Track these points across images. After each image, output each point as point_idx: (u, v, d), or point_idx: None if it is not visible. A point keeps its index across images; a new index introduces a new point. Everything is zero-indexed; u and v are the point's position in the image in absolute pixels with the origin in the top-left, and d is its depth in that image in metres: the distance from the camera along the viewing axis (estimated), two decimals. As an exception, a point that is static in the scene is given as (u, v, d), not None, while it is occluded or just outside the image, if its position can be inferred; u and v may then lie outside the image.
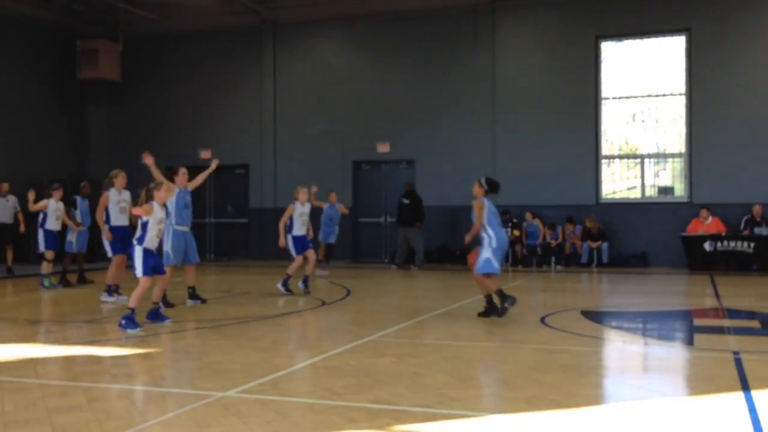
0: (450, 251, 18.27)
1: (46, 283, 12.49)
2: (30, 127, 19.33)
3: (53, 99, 20.31)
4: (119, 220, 10.75)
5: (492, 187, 8.84)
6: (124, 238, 10.62)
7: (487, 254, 8.71)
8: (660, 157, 18.04)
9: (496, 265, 8.74)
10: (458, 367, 6.20)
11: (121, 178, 10.78)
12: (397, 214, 17.74)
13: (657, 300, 11.26)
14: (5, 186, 15.56)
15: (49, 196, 12.48)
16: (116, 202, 10.74)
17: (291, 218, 11.45)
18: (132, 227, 9.33)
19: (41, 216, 12.47)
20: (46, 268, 12.51)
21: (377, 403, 4.95)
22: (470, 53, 18.65)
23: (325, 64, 20.03)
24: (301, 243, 11.52)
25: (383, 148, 19.37)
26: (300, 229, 11.48)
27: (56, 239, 12.62)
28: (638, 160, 18.21)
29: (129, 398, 5.18)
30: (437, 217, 18.21)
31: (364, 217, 19.62)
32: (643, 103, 18.09)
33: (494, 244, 8.70)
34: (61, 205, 12.59)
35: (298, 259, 11.46)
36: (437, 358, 6.55)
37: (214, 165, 10.85)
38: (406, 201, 17.56)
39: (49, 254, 12.47)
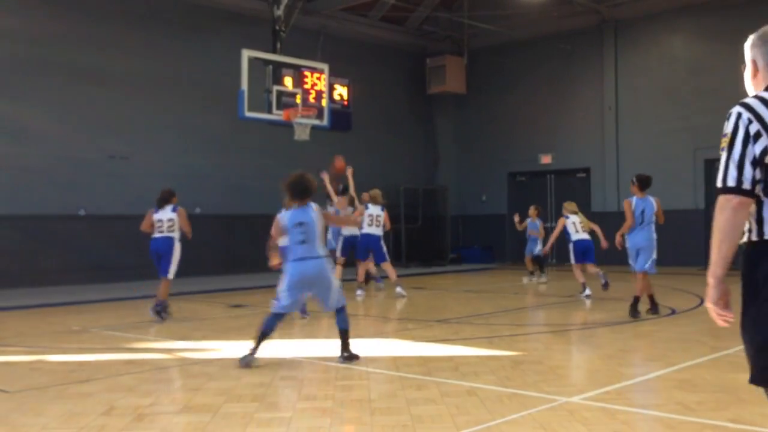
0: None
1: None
2: (386, 139, 21.24)
3: (406, 113, 22.06)
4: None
5: None
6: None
7: None
8: None
9: None
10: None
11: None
12: None
13: None
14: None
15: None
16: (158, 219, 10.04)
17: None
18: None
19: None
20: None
21: (738, 422, 4.52)
22: None
23: (672, 58, 18.86)
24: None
25: (739, 143, 17.58)
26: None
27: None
28: None
29: (477, 395, 5.40)
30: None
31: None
32: None
33: None
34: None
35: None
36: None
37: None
38: None
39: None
